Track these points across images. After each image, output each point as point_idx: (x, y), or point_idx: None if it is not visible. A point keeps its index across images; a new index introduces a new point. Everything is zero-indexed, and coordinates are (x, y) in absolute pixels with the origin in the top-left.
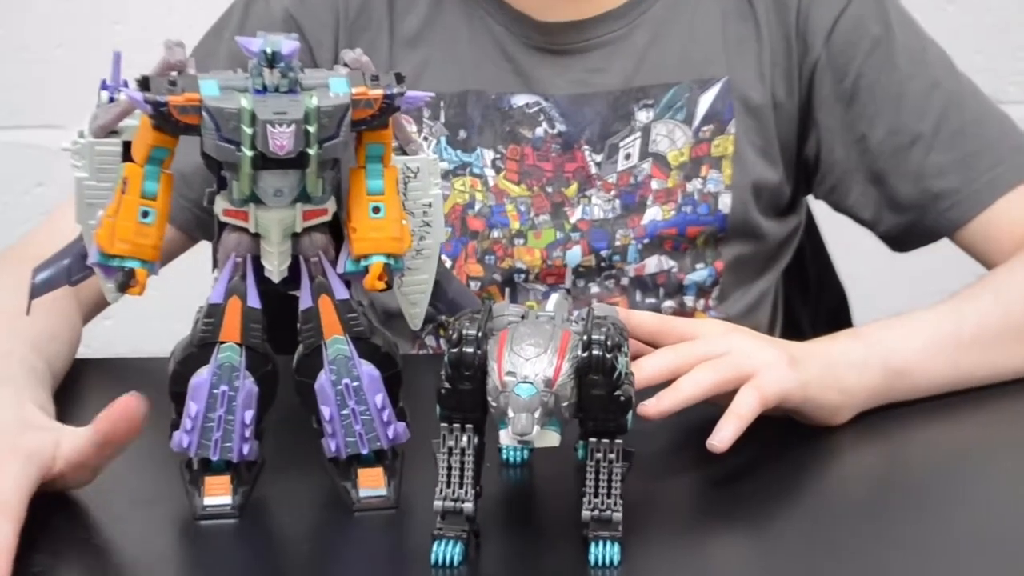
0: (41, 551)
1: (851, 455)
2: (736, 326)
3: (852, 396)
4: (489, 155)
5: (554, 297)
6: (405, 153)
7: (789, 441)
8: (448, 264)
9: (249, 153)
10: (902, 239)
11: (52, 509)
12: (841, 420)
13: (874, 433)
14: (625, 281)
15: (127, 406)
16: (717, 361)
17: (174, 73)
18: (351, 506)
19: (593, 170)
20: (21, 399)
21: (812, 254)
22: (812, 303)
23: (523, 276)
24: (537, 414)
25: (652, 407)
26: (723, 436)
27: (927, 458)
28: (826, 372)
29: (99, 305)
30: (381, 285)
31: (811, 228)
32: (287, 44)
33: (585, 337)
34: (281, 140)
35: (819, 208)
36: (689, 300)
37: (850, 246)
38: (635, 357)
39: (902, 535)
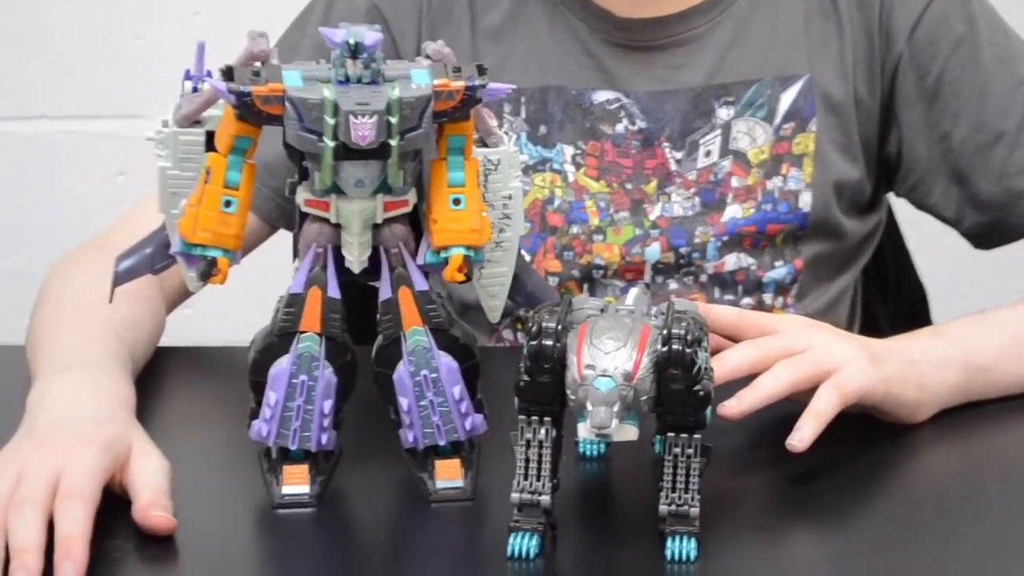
0: (118, 536)
1: (930, 454)
2: (816, 322)
3: (933, 394)
4: (569, 151)
5: (634, 291)
6: (486, 145)
7: (868, 438)
8: (527, 259)
9: (331, 144)
10: (985, 237)
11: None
12: (922, 418)
13: (954, 432)
14: (704, 278)
15: (156, 527)
16: (798, 358)
17: (257, 63)
18: (427, 497)
19: (673, 167)
20: (101, 389)
21: (892, 252)
22: (891, 301)
23: (601, 272)
24: (616, 408)
25: (733, 407)
26: (803, 436)
27: (1007, 458)
28: (907, 369)
29: (183, 294)
30: (460, 277)
31: (891, 226)
32: (370, 35)
33: (665, 331)
34: (363, 131)
35: (898, 205)
36: (768, 298)
37: (930, 244)
38: (715, 352)
39: (980, 536)
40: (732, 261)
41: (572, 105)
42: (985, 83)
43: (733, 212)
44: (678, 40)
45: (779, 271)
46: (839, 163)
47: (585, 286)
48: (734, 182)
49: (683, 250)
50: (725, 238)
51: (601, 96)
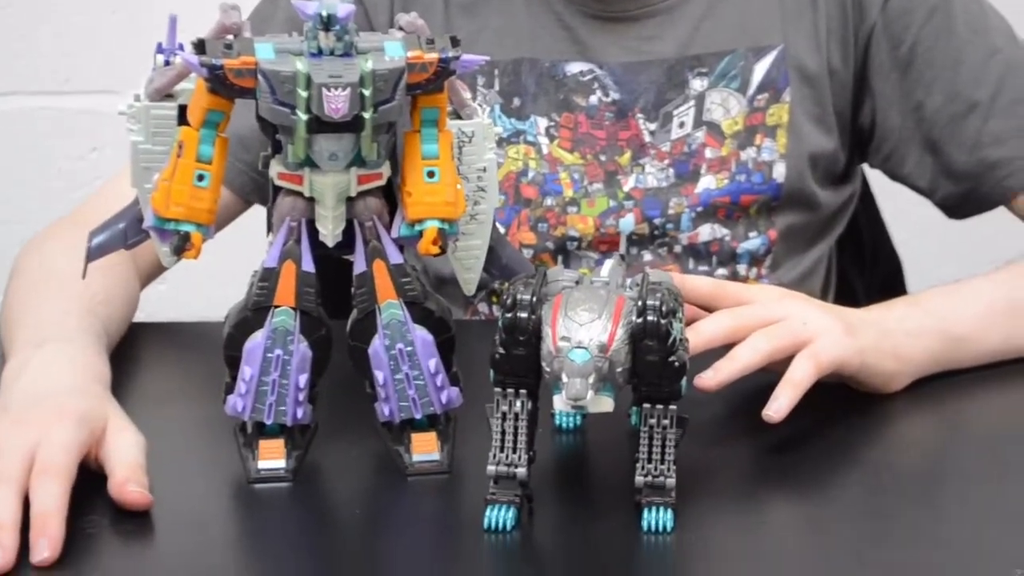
0: (94, 512)
1: (905, 423)
2: (792, 292)
3: (908, 363)
4: (543, 123)
5: (608, 263)
6: (460, 118)
7: (843, 408)
8: (501, 231)
9: (304, 117)
10: (958, 207)
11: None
12: (897, 387)
13: (928, 401)
14: (678, 249)
15: (132, 502)
16: (774, 328)
17: (229, 36)
18: (404, 471)
19: (647, 138)
20: (76, 364)
21: (867, 222)
22: (867, 271)
23: (576, 244)
24: (591, 379)
25: (709, 379)
26: (779, 406)
27: (981, 426)
28: (882, 339)
29: (157, 269)
30: (435, 250)
31: (866, 196)
32: (343, 7)
33: (640, 302)
34: (336, 104)
35: (874, 176)
36: (742, 268)
37: (905, 214)
38: (690, 322)
39: (955, 503)
40: (706, 232)
41: (546, 77)
42: (959, 52)
43: (707, 183)
44: (651, 11)
45: (753, 242)
46: (813, 134)
47: (559, 258)
48: (708, 153)
49: (657, 221)
50: (699, 209)
51: (575, 68)
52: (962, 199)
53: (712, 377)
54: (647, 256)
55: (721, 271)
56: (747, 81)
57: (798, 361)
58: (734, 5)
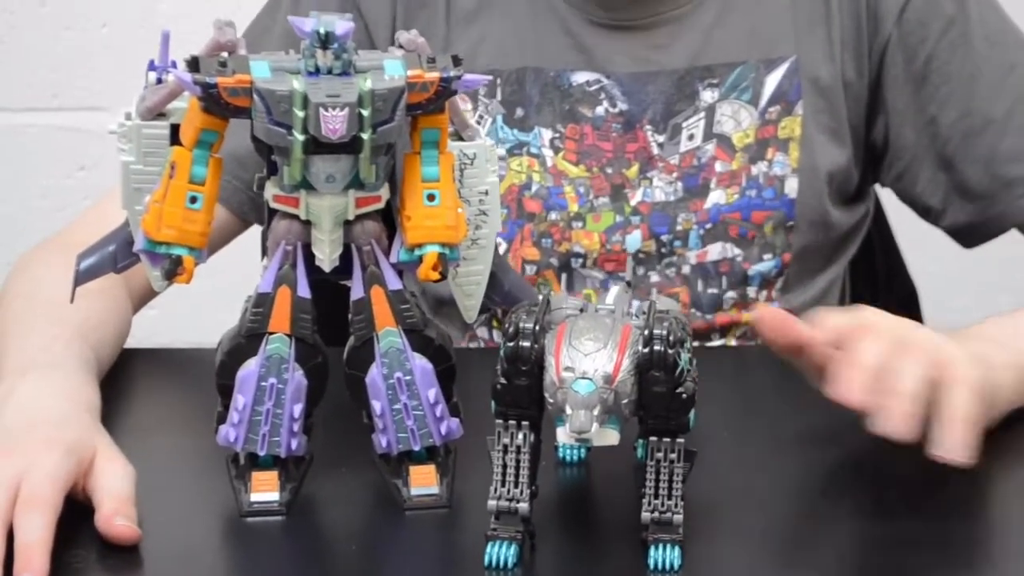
0: (81, 545)
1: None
2: (896, 317)
3: (1002, 398)
4: (547, 134)
5: (614, 290)
6: (461, 139)
7: (861, 444)
8: (503, 248)
9: (301, 137)
10: (969, 231)
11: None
12: (990, 424)
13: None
14: (687, 269)
15: (119, 536)
16: (915, 354)
17: (224, 54)
18: (402, 505)
19: (655, 151)
20: (64, 392)
21: (881, 248)
22: (881, 299)
23: (581, 261)
24: (596, 411)
25: (944, 451)
26: (966, 447)
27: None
28: (987, 371)
29: (150, 293)
30: (435, 276)
31: (880, 221)
32: (341, 25)
33: (646, 332)
34: (334, 124)
35: (888, 200)
36: (752, 291)
37: (921, 241)
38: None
39: (978, 553)
40: (716, 251)
41: (550, 87)
42: (975, 67)
43: (716, 198)
44: (660, 20)
45: (766, 264)
46: (826, 148)
47: (563, 276)
48: (718, 167)
49: (665, 238)
50: (708, 225)
51: (580, 77)
52: (974, 220)
53: (953, 450)
54: (654, 277)
55: (731, 293)
56: (759, 93)
57: (955, 395)
58: (745, 15)
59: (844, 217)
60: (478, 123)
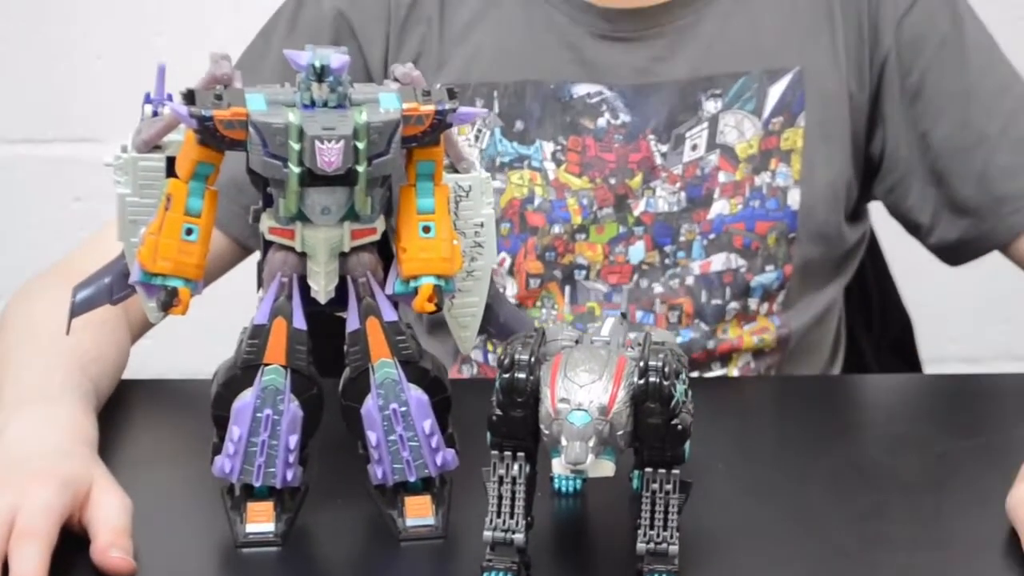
0: None
1: (928, 493)
2: None
3: None
4: (549, 148)
5: (610, 321)
6: (456, 171)
7: (859, 476)
8: (508, 261)
9: (296, 170)
10: (957, 248)
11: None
12: None
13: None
14: (690, 280)
15: (115, 568)
16: None
17: (220, 87)
18: (397, 535)
19: (658, 160)
20: (61, 424)
21: (876, 280)
22: (876, 331)
23: (584, 273)
24: (591, 443)
25: None
26: None
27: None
28: None
29: (148, 325)
30: (431, 307)
31: (874, 251)
32: (336, 58)
33: (642, 363)
34: (329, 157)
35: (883, 233)
36: (753, 303)
37: (915, 273)
38: None
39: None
40: (720, 261)
41: (551, 99)
42: (970, 84)
43: (720, 208)
44: (661, 31)
45: (768, 275)
46: (828, 159)
47: (567, 288)
48: (721, 177)
49: (668, 248)
50: (711, 236)
51: (581, 89)
52: (962, 237)
53: None
54: (658, 288)
55: (734, 304)
56: (762, 104)
57: None
58: (747, 26)
59: (845, 232)
60: (476, 136)
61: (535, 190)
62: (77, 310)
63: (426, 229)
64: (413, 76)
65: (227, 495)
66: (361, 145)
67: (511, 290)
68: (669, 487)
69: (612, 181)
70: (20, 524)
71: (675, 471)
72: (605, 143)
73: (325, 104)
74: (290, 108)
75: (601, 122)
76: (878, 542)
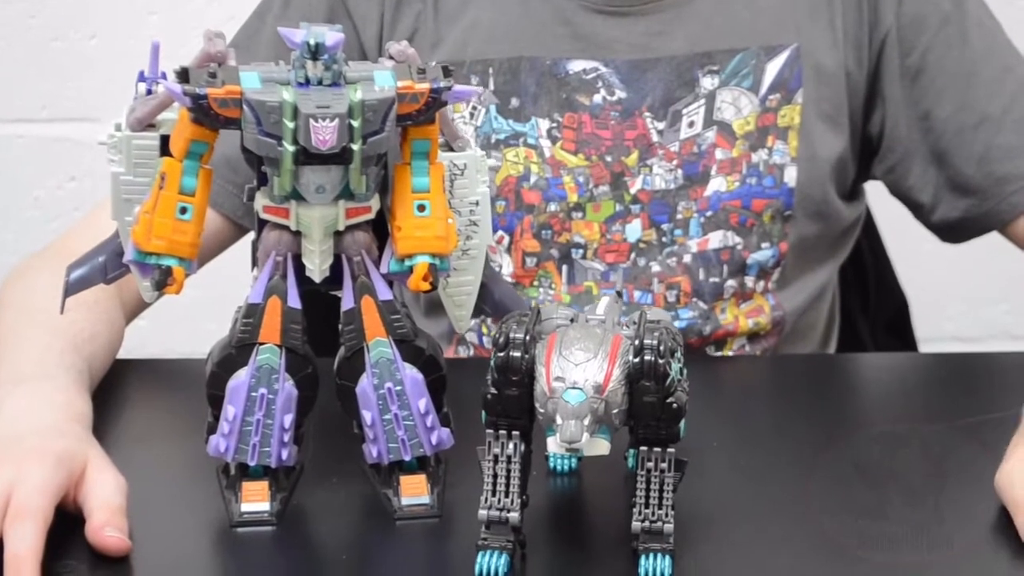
0: (71, 556)
1: (917, 462)
2: None
3: None
4: (544, 125)
5: (605, 300)
6: (451, 149)
7: (850, 449)
8: (505, 240)
9: (291, 148)
10: (958, 227)
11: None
12: None
13: (956, 451)
14: (687, 258)
15: (110, 547)
16: None
17: (214, 65)
18: (392, 514)
19: (655, 138)
20: (56, 403)
21: (872, 260)
22: (871, 311)
23: (581, 252)
24: (586, 421)
25: None
26: None
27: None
28: None
29: (142, 304)
30: (426, 286)
31: (870, 232)
32: (331, 35)
33: (637, 342)
34: (324, 135)
35: (879, 212)
36: (749, 281)
37: (911, 252)
38: None
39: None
40: (717, 239)
41: (547, 76)
42: (972, 64)
43: (717, 185)
44: (660, 6)
45: (764, 253)
46: (825, 137)
47: (564, 267)
48: (718, 154)
49: (665, 227)
50: (708, 213)
51: (577, 65)
52: (963, 216)
53: None
54: (655, 267)
55: (731, 282)
56: (759, 80)
57: None
58: (745, 2)
59: (842, 211)
60: (472, 113)
61: (531, 168)
62: (71, 289)
63: (421, 208)
64: (408, 54)
65: (222, 474)
66: (356, 123)
67: (507, 269)
68: (664, 465)
69: (608, 159)
70: (15, 503)
71: (670, 449)
72: (601, 120)
73: (320, 82)
74: (284, 86)
75: (597, 99)
76: (872, 520)
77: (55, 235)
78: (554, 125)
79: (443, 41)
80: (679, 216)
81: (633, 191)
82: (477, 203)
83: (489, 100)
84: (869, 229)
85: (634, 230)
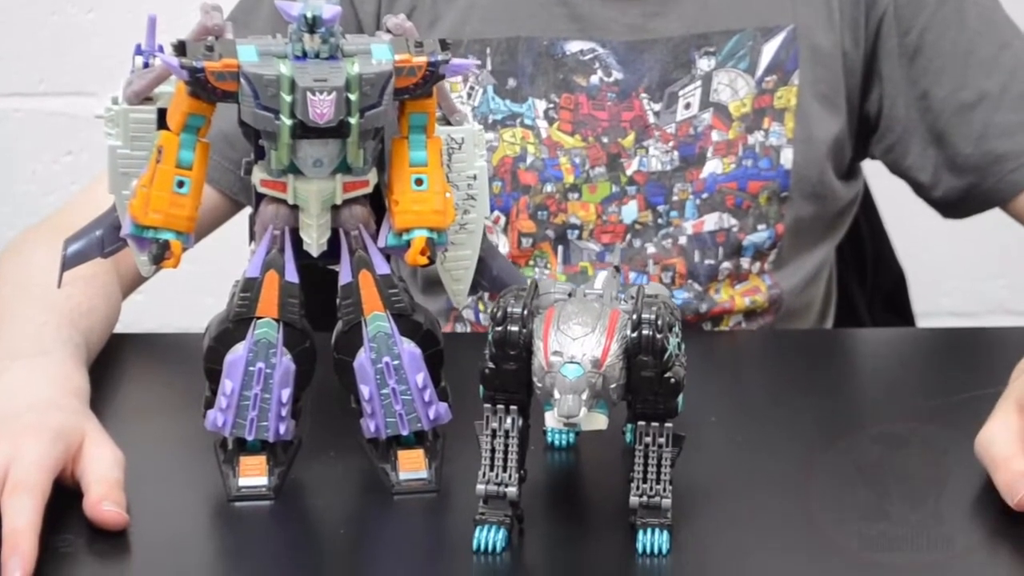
0: (69, 531)
1: (908, 449)
2: None
3: None
4: (541, 105)
5: (602, 274)
6: (449, 123)
7: (848, 430)
8: (502, 221)
9: (288, 122)
10: (958, 204)
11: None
12: None
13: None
14: (683, 240)
15: (107, 522)
16: None
17: (211, 38)
18: (390, 489)
19: (651, 119)
20: (53, 377)
21: (869, 233)
22: (869, 284)
23: (576, 233)
24: (584, 396)
25: None
26: None
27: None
28: None
29: (139, 279)
30: (423, 260)
31: (868, 205)
32: (328, 8)
33: (635, 316)
34: (321, 108)
35: (876, 185)
36: (745, 262)
37: (909, 226)
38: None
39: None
40: (712, 221)
41: (544, 56)
42: (970, 43)
43: (713, 167)
44: None
45: (760, 234)
46: (821, 118)
47: (560, 248)
48: (715, 136)
49: (661, 208)
50: (704, 195)
51: (574, 46)
52: (963, 194)
53: None
54: (651, 248)
55: (726, 264)
56: (756, 62)
57: None
58: None
59: (838, 191)
60: (469, 94)
61: (527, 148)
62: (68, 263)
63: (419, 182)
64: (405, 27)
65: (220, 449)
66: (353, 97)
67: (503, 249)
68: (662, 440)
69: (605, 140)
70: (13, 477)
71: (668, 424)
72: (598, 101)
73: (317, 55)
74: (282, 60)
75: (594, 79)
76: (872, 494)
77: (52, 209)
78: (551, 106)
79: (441, 19)
80: (675, 198)
81: (629, 172)
82: (475, 177)
83: (487, 80)
84: (867, 204)
85: (630, 211)
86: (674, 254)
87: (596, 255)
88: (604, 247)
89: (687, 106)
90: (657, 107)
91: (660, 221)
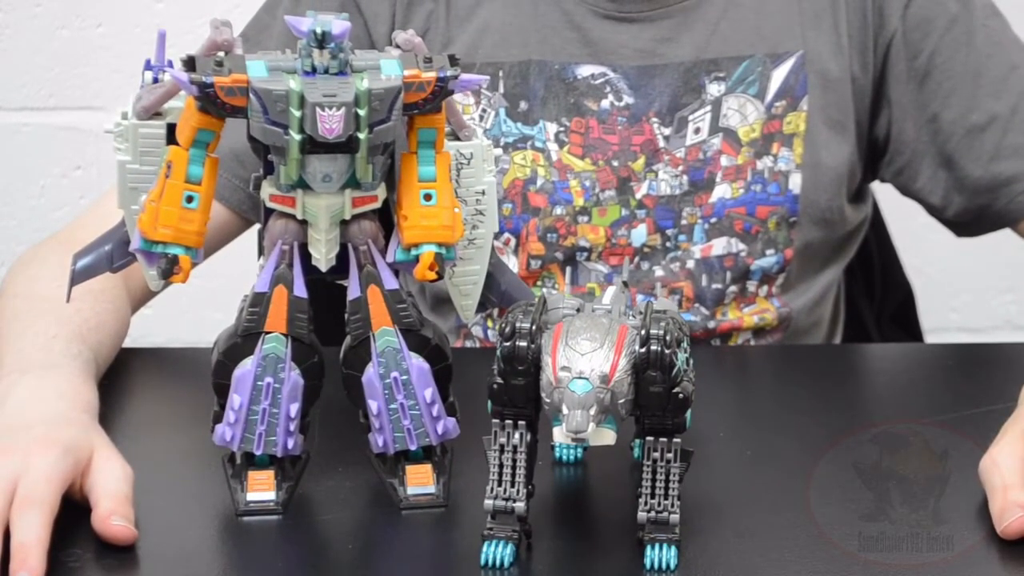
0: (77, 545)
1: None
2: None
3: None
4: (552, 128)
5: (611, 290)
6: (458, 139)
7: (852, 441)
8: (512, 243)
9: (297, 137)
10: (969, 225)
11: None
12: None
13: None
14: (691, 264)
15: (116, 536)
16: None
17: (221, 53)
18: (398, 504)
19: (661, 143)
20: (62, 392)
21: (877, 249)
22: (877, 300)
23: (586, 255)
24: (592, 411)
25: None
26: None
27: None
28: None
29: (148, 294)
30: (432, 275)
31: (877, 223)
32: (338, 24)
33: (643, 332)
34: (330, 124)
35: (885, 202)
36: (752, 286)
37: (917, 242)
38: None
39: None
40: (721, 245)
41: (555, 80)
42: (978, 65)
43: (722, 192)
44: (666, 12)
45: (768, 259)
46: (830, 144)
47: (568, 269)
48: (724, 161)
49: (670, 232)
50: (713, 220)
51: (586, 70)
52: (974, 216)
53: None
54: (658, 271)
55: (733, 288)
56: (765, 87)
57: None
58: (751, 8)
59: (847, 215)
60: (481, 116)
61: (538, 171)
62: (77, 278)
63: (427, 197)
64: (415, 43)
65: (228, 463)
66: (362, 112)
67: (513, 270)
68: (670, 456)
69: (615, 163)
70: (22, 491)
71: (676, 440)
72: (608, 125)
73: (326, 71)
74: (291, 75)
75: (605, 104)
76: (882, 508)
77: (61, 224)
78: (562, 129)
79: (453, 42)
80: (684, 222)
81: (639, 196)
82: (483, 192)
83: (499, 103)
84: (875, 220)
85: (639, 235)
86: (681, 278)
87: (604, 276)
88: (612, 268)
89: (697, 131)
90: (667, 131)
91: (668, 245)
